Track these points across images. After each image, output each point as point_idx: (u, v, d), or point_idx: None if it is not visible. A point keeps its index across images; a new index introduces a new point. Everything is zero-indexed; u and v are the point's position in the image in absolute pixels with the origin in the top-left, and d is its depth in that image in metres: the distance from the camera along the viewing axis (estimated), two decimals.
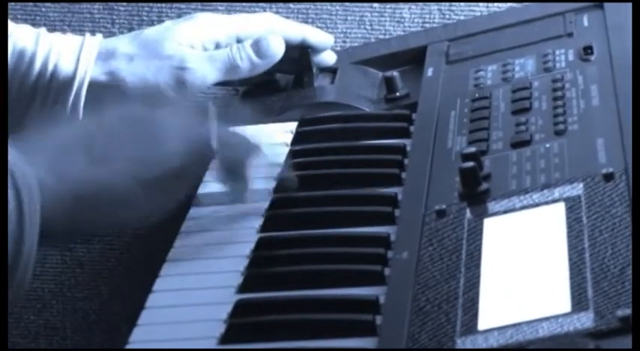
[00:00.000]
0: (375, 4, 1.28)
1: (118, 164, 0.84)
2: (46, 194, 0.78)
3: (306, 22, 1.24)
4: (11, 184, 0.76)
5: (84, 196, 0.82)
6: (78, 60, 1.02)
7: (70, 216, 0.81)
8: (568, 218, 0.75)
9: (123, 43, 1.05)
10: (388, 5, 1.28)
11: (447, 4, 1.26)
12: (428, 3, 1.27)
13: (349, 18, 1.29)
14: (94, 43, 1.04)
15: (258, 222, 0.90)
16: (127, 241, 1.28)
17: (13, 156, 0.77)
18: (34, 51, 1.02)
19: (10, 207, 0.74)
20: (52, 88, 1.03)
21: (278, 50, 1.06)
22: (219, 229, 0.91)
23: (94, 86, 1.02)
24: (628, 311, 0.62)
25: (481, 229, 0.78)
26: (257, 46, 1.05)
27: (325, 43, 1.12)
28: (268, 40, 1.06)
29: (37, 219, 0.76)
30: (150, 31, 1.05)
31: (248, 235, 0.88)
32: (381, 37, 1.27)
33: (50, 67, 1.02)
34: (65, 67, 1.02)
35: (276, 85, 1.11)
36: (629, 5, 1.08)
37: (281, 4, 1.27)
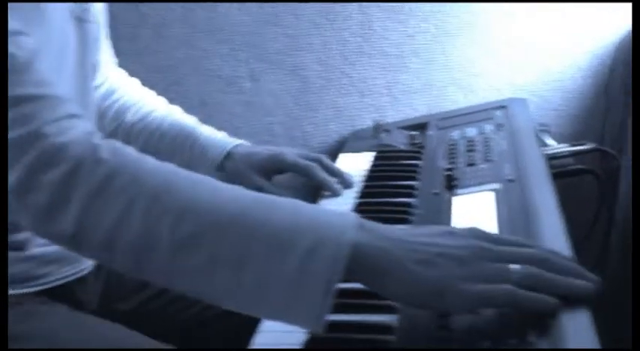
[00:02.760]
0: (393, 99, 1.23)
1: None
2: None
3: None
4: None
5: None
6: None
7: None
8: (496, 198, 0.75)
9: None
10: (405, 101, 1.23)
11: (435, 104, 1.23)
12: (418, 104, 1.22)
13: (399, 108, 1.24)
14: None
15: None
16: None
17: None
18: (200, 133, 0.89)
19: None
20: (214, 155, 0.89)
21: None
22: None
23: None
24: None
25: (451, 201, 0.78)
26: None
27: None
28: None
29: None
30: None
31: None
32: (405, 117, 1.23)
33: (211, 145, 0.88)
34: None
35: None
36: (522, 102, 1.07)
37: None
